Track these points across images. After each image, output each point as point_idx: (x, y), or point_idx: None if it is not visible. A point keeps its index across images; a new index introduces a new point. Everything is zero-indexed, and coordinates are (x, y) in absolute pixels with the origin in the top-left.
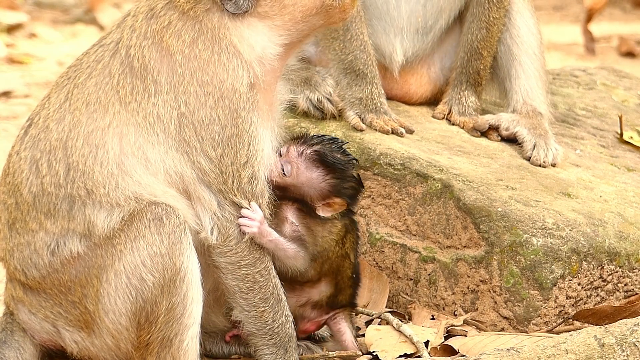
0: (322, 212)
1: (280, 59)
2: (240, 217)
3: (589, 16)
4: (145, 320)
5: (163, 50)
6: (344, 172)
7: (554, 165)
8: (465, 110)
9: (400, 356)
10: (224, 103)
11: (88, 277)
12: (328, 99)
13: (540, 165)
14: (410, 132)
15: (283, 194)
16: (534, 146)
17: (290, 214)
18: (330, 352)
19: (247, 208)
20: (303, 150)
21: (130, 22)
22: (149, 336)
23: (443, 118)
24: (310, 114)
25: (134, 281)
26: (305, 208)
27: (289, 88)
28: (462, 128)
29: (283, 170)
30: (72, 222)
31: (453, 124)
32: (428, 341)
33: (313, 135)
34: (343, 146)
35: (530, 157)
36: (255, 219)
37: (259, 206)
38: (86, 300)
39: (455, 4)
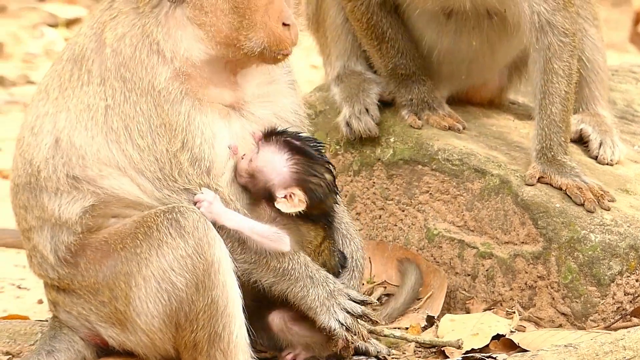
0: (280, 205)
1: (210, 65)
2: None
3: (638, 19)
4: (185, 320)
5: (100, 42)
6: (311, 162)
7: (617, 162)
8: None
9: (467, 351)
10: (145, 99)
11: (116, 281)
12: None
13: (607, 164)
14: (464, 127)
15: (253, 185)
16: (600, 144)
17: (271, 210)
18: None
19: (197, 193)
20: (273, 137)
21: (97, 9)
22: (194, 335)
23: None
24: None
25: (165, 285)
26: (274, 206)
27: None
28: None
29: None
30: (45, 212)
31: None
32: (498, 335)
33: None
34: (319, 146)
35: (597, 157)
36: (203, 199)
37: (216, 189)
38: (116, 301)
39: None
